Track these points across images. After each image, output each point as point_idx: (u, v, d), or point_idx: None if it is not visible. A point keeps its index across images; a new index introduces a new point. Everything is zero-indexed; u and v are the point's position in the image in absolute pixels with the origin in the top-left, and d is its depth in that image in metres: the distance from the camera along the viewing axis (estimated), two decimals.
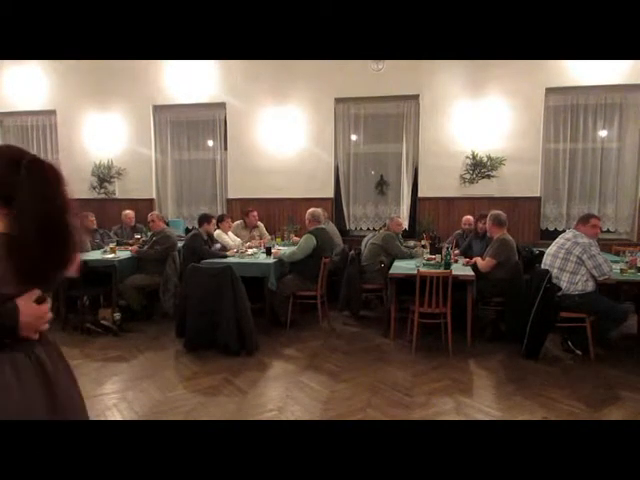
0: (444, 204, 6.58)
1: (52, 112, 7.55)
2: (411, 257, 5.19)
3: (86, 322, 4.92)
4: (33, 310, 1.28)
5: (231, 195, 7.18)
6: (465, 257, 5.10)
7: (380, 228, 6.00)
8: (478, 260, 4.68)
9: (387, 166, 6.90)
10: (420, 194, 6.68)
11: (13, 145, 1.37)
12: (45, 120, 7.69)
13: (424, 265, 4.56)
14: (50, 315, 1.34)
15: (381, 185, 6.90)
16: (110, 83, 7.26)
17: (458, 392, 3.46)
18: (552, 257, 4.17)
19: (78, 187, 7.42)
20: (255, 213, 6.43)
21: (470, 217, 5.92)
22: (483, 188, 6.39)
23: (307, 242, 4.95)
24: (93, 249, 5.75)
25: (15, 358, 1.30)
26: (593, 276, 4.02)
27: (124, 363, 4.11)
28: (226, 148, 7.19)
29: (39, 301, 1.30)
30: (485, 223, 5.07)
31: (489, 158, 6.29)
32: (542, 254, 4.46)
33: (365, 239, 5.80)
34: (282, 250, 5.29)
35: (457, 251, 5.38)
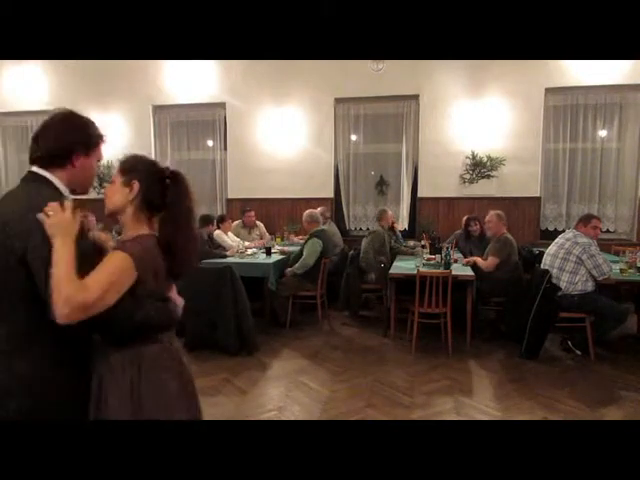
0: (444, 204, 6.58)
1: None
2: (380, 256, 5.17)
3: None
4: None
5: (231, 195, 7.18)
6: (465, 257, 5.11)
7: None
8: (479, 260, 4.68)
9: (387, 166, 6.90)
10: (420, 194, 6.68)
11: (148, 158, 1.61)
12: None
13: (424, 265, 4.56)
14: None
15: (381, 185, 6.90)
16: (110, 83, 7.25)
17: (458, 392, 3.46)
18: (552, 257, 4.17)
19: None
20: (252, 213, 6.39)
21: None
22: (483, 188, 6.38)
23: (314, 246, 4.94)
24: None
25: (179, 350, 1.49)
26: (593, 276, 4.02)
27: None
28: (226, 148, 7.18)
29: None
30: (477, 225, 5.37)
31: (489, 158, 6.29)
32: (542, 254, 4.45)
33: (364, 239, 5.80)
34: (290, 270, 5.01)
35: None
